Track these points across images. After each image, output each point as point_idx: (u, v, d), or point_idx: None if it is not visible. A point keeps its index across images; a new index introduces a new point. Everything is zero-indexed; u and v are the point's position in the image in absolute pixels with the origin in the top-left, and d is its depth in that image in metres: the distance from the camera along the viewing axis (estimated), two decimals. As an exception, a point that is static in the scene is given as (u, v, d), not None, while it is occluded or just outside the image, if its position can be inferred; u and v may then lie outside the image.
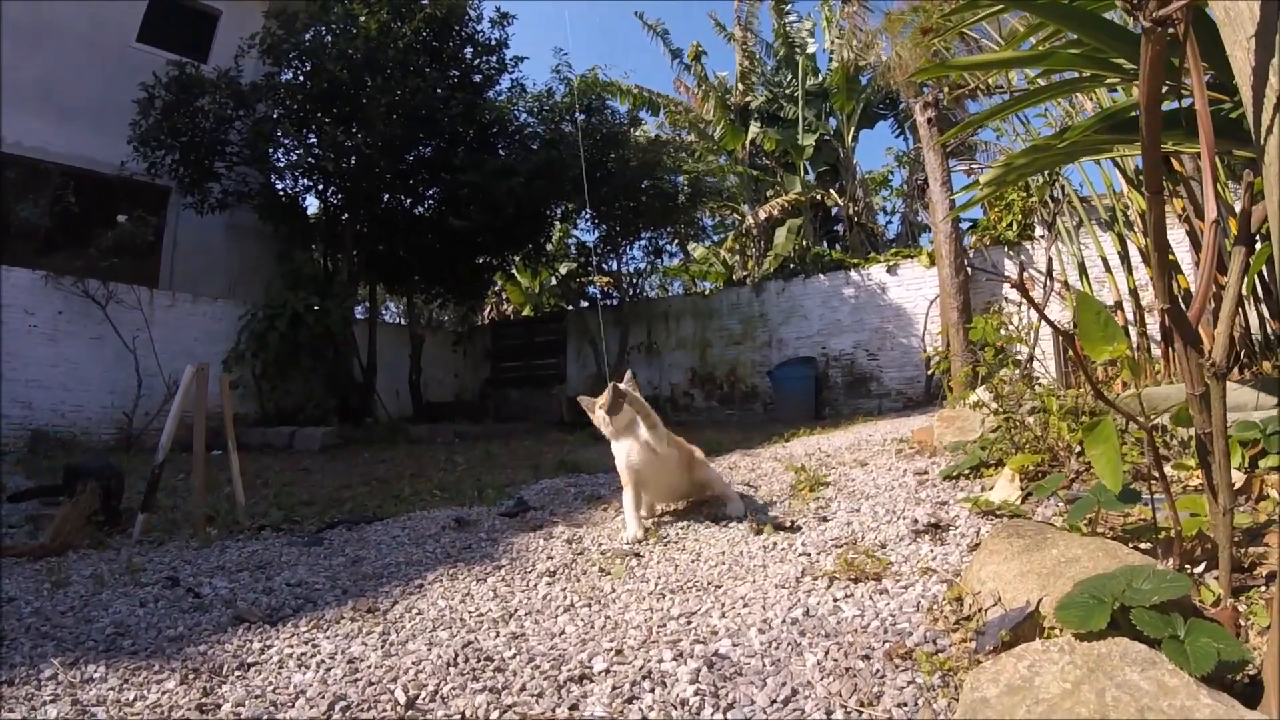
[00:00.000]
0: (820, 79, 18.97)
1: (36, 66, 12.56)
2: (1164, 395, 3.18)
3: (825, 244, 18.41)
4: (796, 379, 13.80)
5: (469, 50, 14.14)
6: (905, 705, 1.71)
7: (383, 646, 2.38)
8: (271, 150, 13.28)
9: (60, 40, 12.88)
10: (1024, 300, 2.00)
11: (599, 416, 3.89)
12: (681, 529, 3.73)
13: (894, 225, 20.88)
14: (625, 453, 3.84)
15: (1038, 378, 5.42)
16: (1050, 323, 2.13)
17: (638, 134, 16.29)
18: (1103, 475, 2.06)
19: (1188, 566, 2.08)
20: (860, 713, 1.71)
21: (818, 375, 14.26)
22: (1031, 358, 6.21)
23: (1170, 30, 1.55)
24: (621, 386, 3.84)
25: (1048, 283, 10.14)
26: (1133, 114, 2.33)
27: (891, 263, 14.23)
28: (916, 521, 3.15)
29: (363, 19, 12.11)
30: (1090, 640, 1.55)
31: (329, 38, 12.46)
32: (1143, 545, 2.27)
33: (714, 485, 4.14)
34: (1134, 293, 5.64)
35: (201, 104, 12.45)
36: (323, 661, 2.27)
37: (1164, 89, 1.79)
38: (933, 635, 2.04)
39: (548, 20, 40.19)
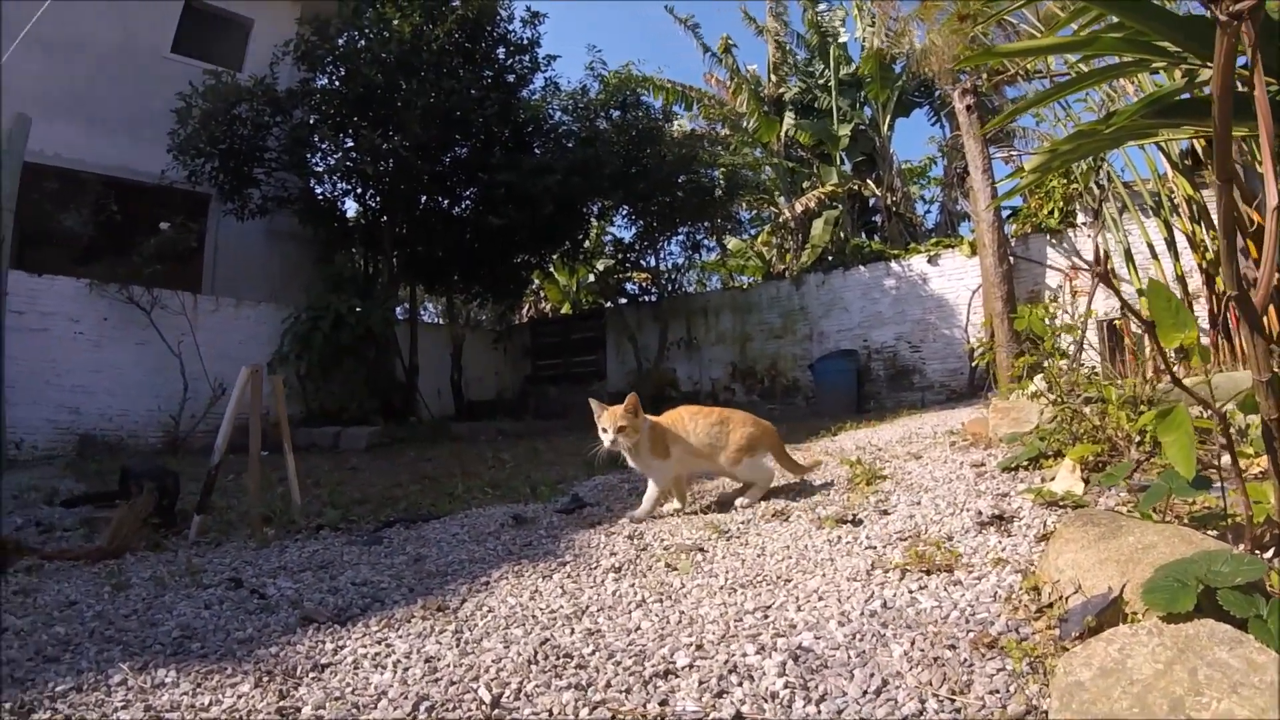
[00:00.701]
0: (853, 68, 18.81)
1: (73, 78, 12.70)
2: (1223, 383, 3.16)
3: (863, 235, 18.26)
4: (838, 372, 13.68)
5: (501, 50, 14.10)
6: (997, 693, 1.71)
7: (458, 645, 2.35)
8: (309, 155, 13.37)
9: (95, 52, 13.02)
10: (1104, 285, 1.97)
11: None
12: (742, 524, 3.73)
13: (932, 215, 20.69)
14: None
15: (1093, 368, 5.31)
16: (1134, 312, 2.13)
17: (672, 129, 16.23)
18: (1176, 462, 2.04)
19: (1256, 552, 2.06)
20: (952, 701, 1.71)
21: (859, 368, 14.14)
22: (1081, 348, 6.14)
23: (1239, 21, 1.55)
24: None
25: (1094, 270, 9.96)
26: (1179, 98, 2.34)
27: (932, 253, 14.05)
28: (980, 513, 3.12)
29: (395, 22, 12.10)
30: (1177, 622, 1.59)
31: (362, 42, 12.50)
32: (1210, 533, 2.23)
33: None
34: (1180, 279, 5.61)
35: (239, 112, 12.52)
36: (399, 661, 2.24)
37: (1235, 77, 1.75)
38: (1014, 624, 2.03)
39: (580, 18, 40.24)
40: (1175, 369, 4.37)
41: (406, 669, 2.17)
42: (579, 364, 18.40)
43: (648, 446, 4.13)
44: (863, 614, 2.26)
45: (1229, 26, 1.54)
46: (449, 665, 2.18)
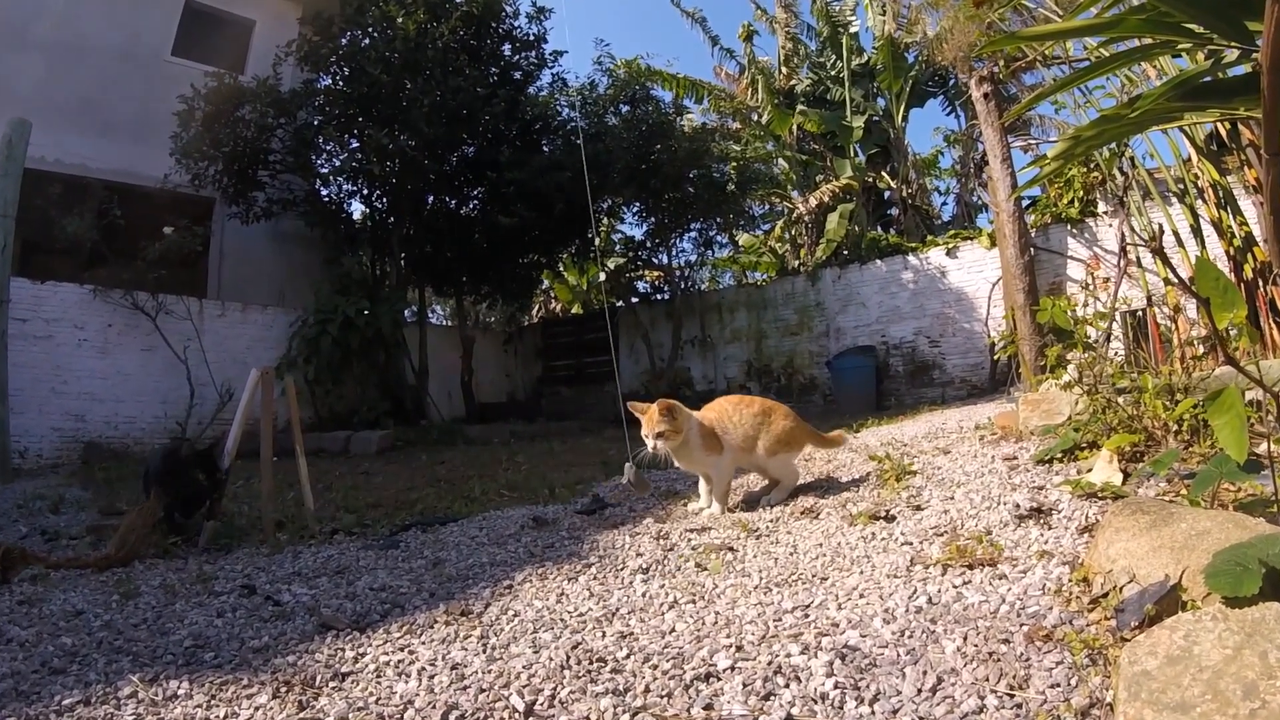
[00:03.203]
0: (865, 58, 18.66)
1: (73, 83, 12.60)
2: (1267, 368, 3.18)
3: (879, 228, 17.99)
4: (856, 369, 13.43)
5: (507, 47, 13.99)
6: (1058, 686, 1.68)
7: (485, 651, 2.28)
8: (314, 156, 13.25)
9: (95, 56, 12.90)
10: (1158, 259, 1.95)
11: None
12: (771, 522, 3.71)
13: (949, 207, 20.45)
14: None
15: (1125, 358, 5.25)
16: (1191, 290, 2.10)
17: (683, 122, 16.05)
18: (1227, 445, 2.03)
19: None
20: (1011, 696, 1.67)
21: (878, 365, 13.92)
22: (1109, 338, 6.00)
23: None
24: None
25: (1120, 260, 9.77)
26: (1204, 80, 2.27)
27: (950, 245, 13.82)
28: (1018, 506, 3.07)
29: (399, 20, 12.00)
30: (1240, 606, 1.57)
31: (366, 41, 12.43)
32: (1260, 518, 2.18)
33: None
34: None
35: (242, 114, 12.41)
36: (424, 669, 2.16)
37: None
38: (1068, 616, 2.00)
39: (587, 11, 40.06)
40: (1229, 350, 4.30)
41: (432, 676, 2.10)
42: (592, 364, 18.22)
43: (699, 444, 4.05)
44: (908, 610, 2.21)
45: (1280, -2, 1.47)
46: (477, 672, 2.11)
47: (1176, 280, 1.97)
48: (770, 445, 4.12)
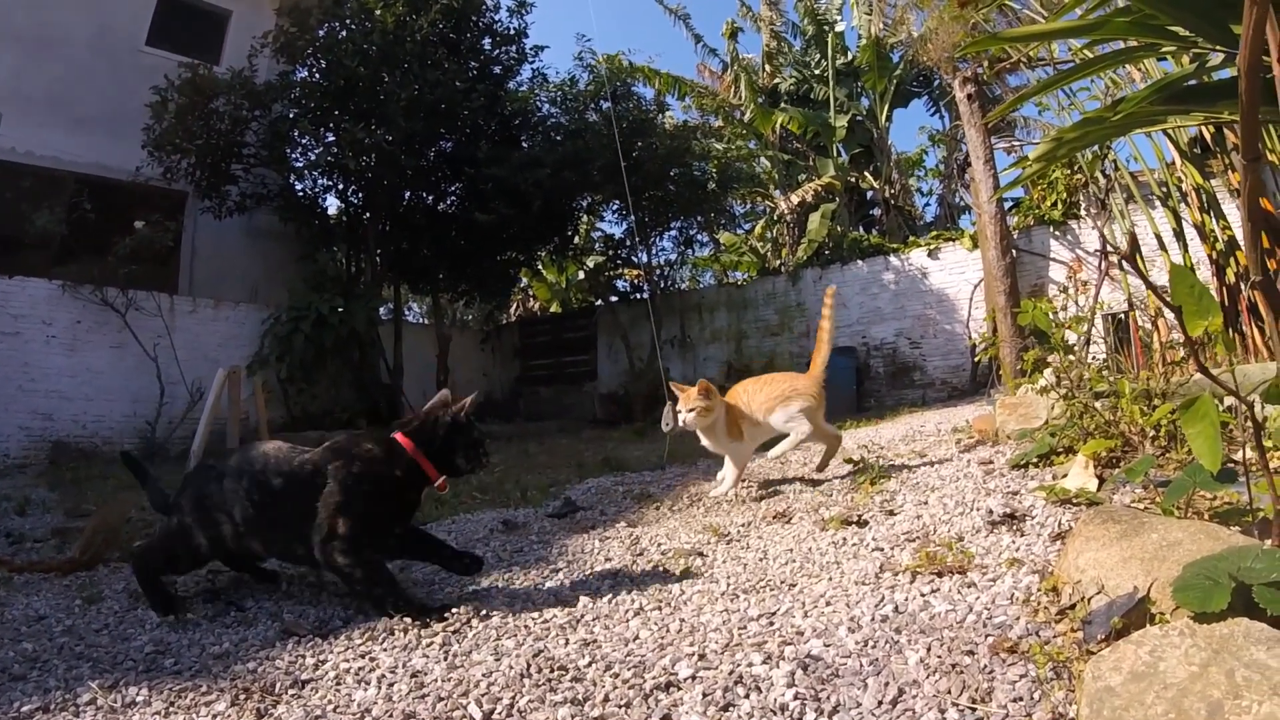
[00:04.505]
0: (850, 57, 18.65)
1: (45, 74, 12.41)
2: (1241, 375, 3.05)
3: (861, 229, 17.99)
4: (836, 370, 13.17)
5: (488, 41, 13.91)
6: (1020, 700, 1.64)
7: (446, 659, 2.25)
8: (289, 150, 13.09)
9: (68, 47, 12.70)
10: (1129, 267, 1.93)
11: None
12: (743, 526, 3.71)
13: (932, 208, 20.51)
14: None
15: (1103, 362, 5.30)
16: (1161, 297, 2.17)
17: (664, 120, 15.97)
18: (1201, 454, 1.96)
19: None
20: (973, 710, 1.64)
21: (858, 366, 13.91)
22: (1089, 341, 5.98)
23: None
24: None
25: (1102, 263, 9.74)
26: (1188, 84, 2.35)
27: (932, 246, 13.82)
28: (991, 512, 3.04)
29: (378, 13, 11.90)
30: (1209, 622, 1.54)
31: (343, 33, 12.29)
32: (1234, 528, 2.17)
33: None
34: (1190, 269, 5.44)
35: (216, 106, 12.22)
36: (384, 676, 2.15)
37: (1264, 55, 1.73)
38: (1035, 627, 1.97)
39: (567, 5, 39.94)
40: (1200, 358, 4.29)
41: (392, 684, 2.09)
42: (570, 364, 18.13)
43: (724, 429, 4.40)
44: (874, 619, 2.19)
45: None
46: (436, 680, 2.09)
47: (1149, 287, 1.93)
48: (767, 404, 4.43)
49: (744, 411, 4.45)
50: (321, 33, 12.42)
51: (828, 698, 1.75)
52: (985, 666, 1.79)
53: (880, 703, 1.70)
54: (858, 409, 12.64)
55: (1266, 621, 1.50)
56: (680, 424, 4.39)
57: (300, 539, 2.74)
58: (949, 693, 1.71)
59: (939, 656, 1.87)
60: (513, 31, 13.95)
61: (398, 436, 2.86)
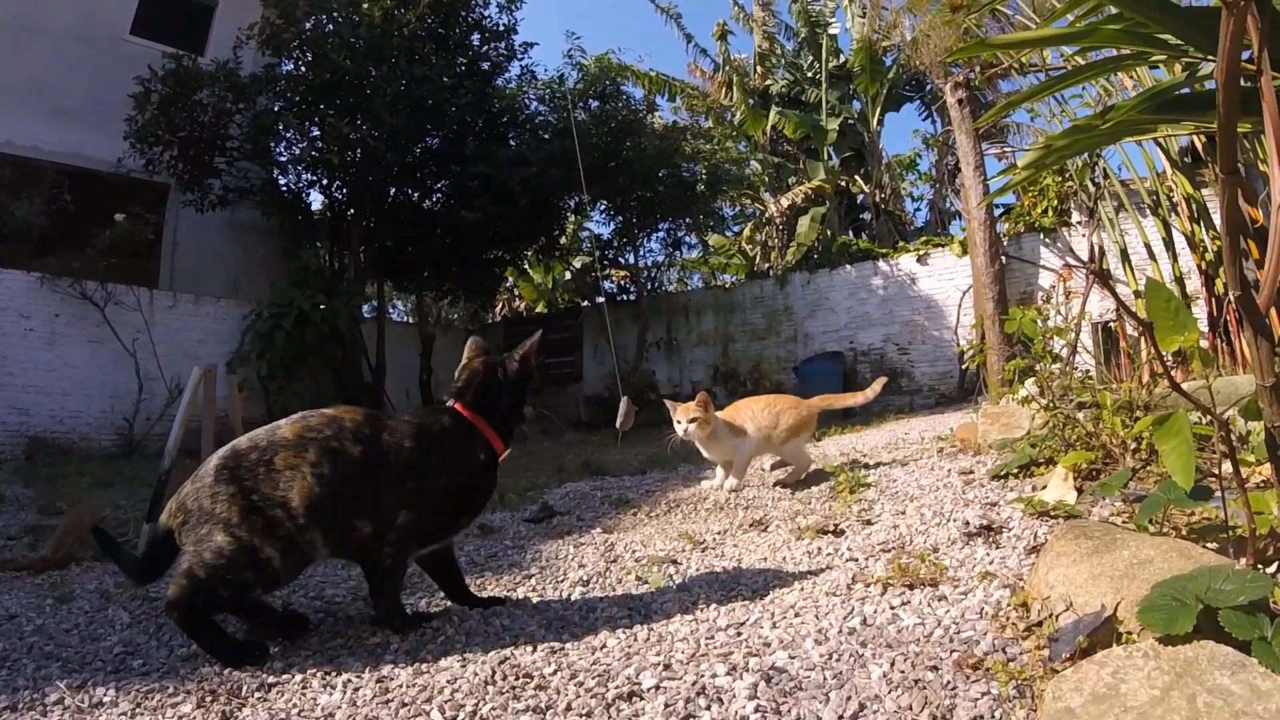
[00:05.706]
0: (843, 60, 18.60)
1: (28, 63, 12.27)
2: (1223, 388, 3.18)
3: (851, 233, 17.98)
4: (823, 375, 13.25)
5: (476, 36, 13.76)
6: (981, 718, 1.64)
7: (413, 664, 2.26)
8: (273, 144, 12.96)
9: (51, 36, 12.56)
10: (1099, 284, 1.98)
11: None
12: (719, 535, 3.76)
13: (922, 213, 20.47)
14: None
15: (1086, 372, 5.29)
16: (1130, 313, 2.13)
17: (653, 120, 15.88)
18: (1174, 471, 1.98)
19: (1259, 566, 1.99)
20: None
21: (846, 371, 13.82)
22: (1075, 351, 5.92)
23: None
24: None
25: (1087, 272, 9.70)
26: (1179, 93, 2.30)
27: (922, 252, 13.80)
28: (968, 524, 3.05)
29: (365, 6, 11.80)
30: (1174, 644, 1.54)
31: (330, 26, 12.16)
32: (1210, 545, 2.19)
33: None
34: (1179, 280, 5.53)
35: (200, 97, 12.08)
36: (350, 681, 2.15)
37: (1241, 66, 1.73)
38: (1001, 643, 1.97)
39: (558, 2, 39.73)
40: (1173, 373, 4.24)
41: (357, 689, 2.08)
42: (555, 365, 17.97)
43: (726, 433, 4.67)
44: (841, 631, 2.20)
45: (1234, 7, 1.53)
46: (401, 685, 2.09)
47: (1119, 304, 2.08)
48: (783, 434, 4.68)
49: (755, 433, 4.71)
50: (308, 25, 12.26)
51: (788, 711, 1.75)
52: (948, 683, 1.78)
53: (840, 717, 1.71)
54: (843, 415, 12.57)
55: (1233, 645, 1.50)
56: (680, 434, 4.57)
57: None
58: (910, 709, 1.71)
59: (902, 671, 1.86)
60: (502, 27, 13.85)
61: (458, 408, 2.62)
